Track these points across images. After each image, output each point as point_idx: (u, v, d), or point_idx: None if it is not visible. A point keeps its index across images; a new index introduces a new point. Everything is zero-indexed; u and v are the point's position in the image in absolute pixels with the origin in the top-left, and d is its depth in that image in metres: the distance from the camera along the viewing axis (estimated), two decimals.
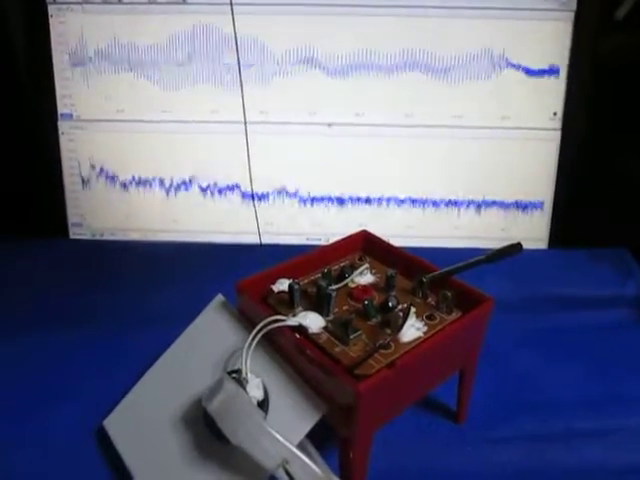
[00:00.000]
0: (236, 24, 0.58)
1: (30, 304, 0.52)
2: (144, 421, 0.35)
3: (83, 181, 0.63)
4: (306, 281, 0.38)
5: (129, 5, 0.59)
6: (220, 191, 0.63)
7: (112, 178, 0.63)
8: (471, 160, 0.61)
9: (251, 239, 0.63)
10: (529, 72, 0.59)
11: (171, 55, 0.60)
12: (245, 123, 0.60)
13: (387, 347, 0.31)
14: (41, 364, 0.45)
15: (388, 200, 0.62)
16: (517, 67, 0.59)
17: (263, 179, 0.62)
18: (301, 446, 0.30)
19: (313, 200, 0.62)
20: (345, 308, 0.35)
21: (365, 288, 0.37)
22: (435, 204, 0.62)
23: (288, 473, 0.28)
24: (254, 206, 0.63)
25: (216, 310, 0.37)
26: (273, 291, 0.36)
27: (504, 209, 0.62)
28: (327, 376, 0.30)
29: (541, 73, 0.59)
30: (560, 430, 0.40)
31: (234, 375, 0.31)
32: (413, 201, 0.62)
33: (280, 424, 0.29)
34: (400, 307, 0.35)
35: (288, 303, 0.35)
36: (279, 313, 0.33)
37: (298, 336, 0.32)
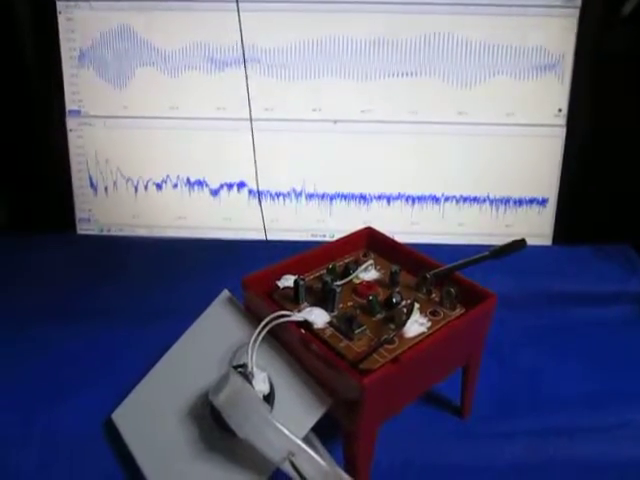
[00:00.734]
0: (242, 22, 0.58)
1: (38, 298, 0.52)
2: (152, 414, 0.36)
3: (91, 177, 0.64)
4: (311, 277, 0.38)
5: (136, 2, 0.59)
6: (226, 188, 0.63)
7: (120, 174, 0.63)
8: (476, 157, 0.61)
9: (257, 235, 0.64)
10: (534, 69, 0.59)
11: (179, 52, 0.60)
12: (251, 120, 0.61)
13: (391, 342, 0.32)
14: (51, 357, 0.45)
15: (393, 197, 0.62)
16: (522, 64, 0.59)
17: (269, 176, 0.62)
18: (306, 439, 0.30)
19: (319, 197, 0.63)
20: (350, 304, 0.35)
21: (369, 284, 0.37)
22: (439, 200, 0.62)
23: (294, 466, 0.29)
24: (260, 203, 0.63)
25: (222, 305, 0.37)
26: (278, 287, 0.36)
27: (509, 205, 0.62)
28: (332, 371, 0.31)
29: (546, 69, 0.59)
30: (563, 425, 0.40)
31: (240, 369, 0.32)
32: (418, 198, 0.62)
33: (286, 418, 0.30)
34: (404, 303, 0.35)
35: (293, 299, 0.35)
36: (284, 308, 0.34)
37: (303, 331, 0.32)
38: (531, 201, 0.62)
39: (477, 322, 0.35)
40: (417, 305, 0.34)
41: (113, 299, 0.52)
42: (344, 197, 0.63)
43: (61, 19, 0.60)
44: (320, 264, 0.39)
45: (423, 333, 0.33)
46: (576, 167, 0.61)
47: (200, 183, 0.63)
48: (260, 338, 0.32)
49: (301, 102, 0.61)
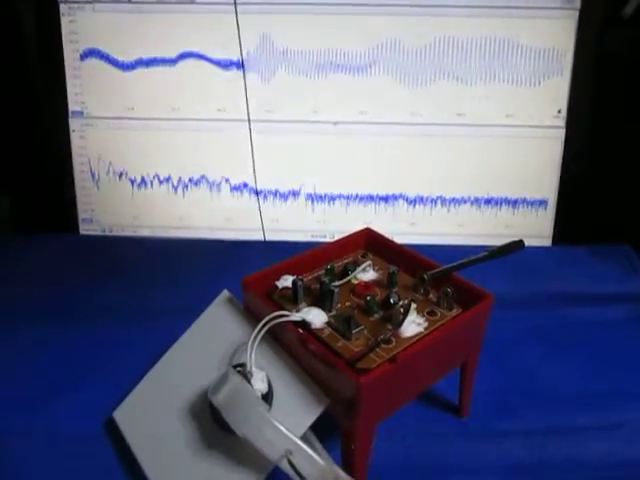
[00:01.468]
0: (241, 23, 0.59)
1: (41, 297, 0.53)
2: (152, 412, 0.36)
3: (93, 178, 0.64)
4: (310, 277, 0.38)
5: (139, 4, 0.59)
6: (226, 188, 0.63)
7: (122, 175, 0.64)
8: (475, 158, 0.61)
9: (256, 236, 0.64)
10: (533, 70, 0.59)
11: (179, 53, 0.60)
12: (249, 121, 0.61)
13: (388, 342, 0.32)
14: (52, 356, 0.46)
15: (393, 197, 0.63)
16: (521, 65, 0.59)
17: (268, 177, 0.63)
18: (305, 438, 0.30)
19: (318, 198, 0.63)
20: (348, 304, 0.36)
21: (367, 284, 0.37)
22: (439, 202, 0.62)
23: (292, 464, 0.29)
24: (259, 203, 0.63)
25: (222, 305, 0.38)
26: (277, 287, 0.36)
27: (508, 206, 0.62)
28: (330, 370, 0.31)
29: (545, 71, 0.59)
30: (562, 425, 0.40)
31: (239, 369, 0.32)
32: (417, 199, 0.62)
33: (284, 416, 0.30)
34: (401, 303, 0.35)
35: (292, 299, 0.35)
36: (283, 309, 0.34)
37: (301, 331, 0.33)
38: (531, 202, 0.62)
39: (474, 322, 0.36)
40: (414, 305, 0.34)
41: (115, 298, 0.53)
42: (344, 198, 0.63)
43: (64, 21, 0.60)
44: (319, 265, 0.39)
45: (420, 333, 0.33)
46: (576, 168, 0.61)
47: (201, 184, 0.63)
48: (259, 338, 0.32)
49: (301, 104, 0.61)
